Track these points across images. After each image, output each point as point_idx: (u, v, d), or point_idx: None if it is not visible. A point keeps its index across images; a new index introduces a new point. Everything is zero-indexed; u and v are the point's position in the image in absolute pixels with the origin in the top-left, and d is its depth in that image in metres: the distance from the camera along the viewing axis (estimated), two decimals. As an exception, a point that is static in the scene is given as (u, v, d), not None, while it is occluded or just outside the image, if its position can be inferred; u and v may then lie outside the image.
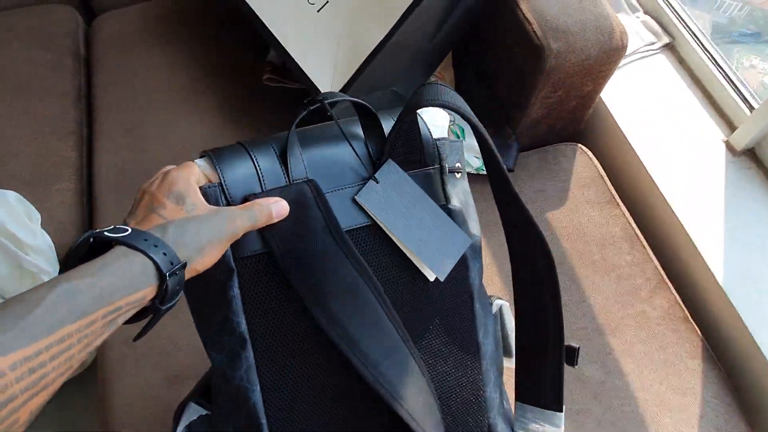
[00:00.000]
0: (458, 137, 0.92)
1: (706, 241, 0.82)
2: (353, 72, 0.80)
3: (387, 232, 0.45)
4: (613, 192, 0.90)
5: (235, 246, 0.41)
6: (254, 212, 0.39)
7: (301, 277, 0.41)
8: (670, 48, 1.03)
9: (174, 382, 0.73)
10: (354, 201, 0.45)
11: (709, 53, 0.97)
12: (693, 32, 0.99)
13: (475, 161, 0.89)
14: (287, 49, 0.83)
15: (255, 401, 0.42)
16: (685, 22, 1.01)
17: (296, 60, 0.83)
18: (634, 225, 0.86)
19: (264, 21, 0.85)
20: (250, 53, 1.02)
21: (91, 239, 0.34)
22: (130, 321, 0.33)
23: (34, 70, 1.00)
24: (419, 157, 0.48)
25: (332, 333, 0.40)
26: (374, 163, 0.47)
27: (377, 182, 0.46)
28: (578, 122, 0.95)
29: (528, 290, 0.51)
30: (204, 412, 0.47)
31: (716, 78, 0.95)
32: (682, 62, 1.01)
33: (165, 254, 0.33)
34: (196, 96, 0.98)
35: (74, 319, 0.28)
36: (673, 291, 0.81)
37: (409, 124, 0.47)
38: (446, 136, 0.51)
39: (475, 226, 0.51)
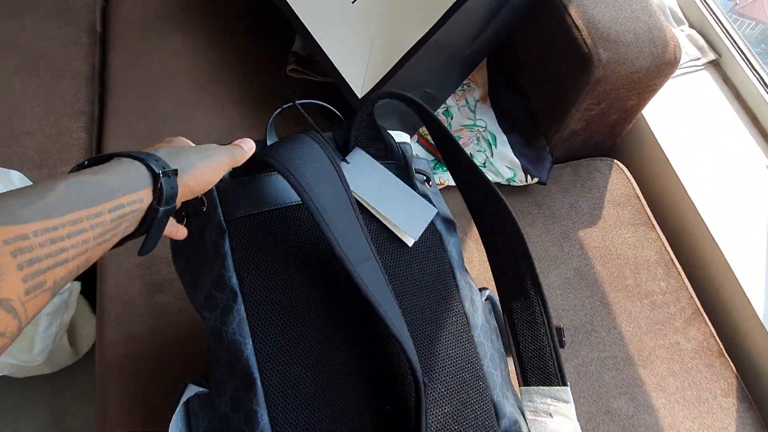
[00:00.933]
0: (490, 145, 0.87)
1: (746, 271, 0.77)
2: (388, 70, 0.75)
3: (363, 203, 0.50)
4: (649, 213, 0.85)
5: (226, 208, 0.47)
6: (231, 148, 0.44)
7: (306, 185, 0.44)
8: (715, 65, 0.98)
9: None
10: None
11: (757, 72, 0.92)
12: (740, 49, 0.95)
13: (506, 171, 0.85)
14: (318, 42, 0.78)
15: (248, 355, 0.43)
16: (732, 38, 0.96)
17: (327, 54, 0.78)
18: (669, 250, 0.82)
19: (294, 9, 0.80)
20: (273, 42, 0.97)
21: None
22: (133, 235, 0.36)
23: (50, 45, 0.95)
24: (385, 153, 0.55)
25: (326, 230, 0.42)
26: (343, 153, 0.53)
27: (348, 163, 0.52)
28: (616, 137, 0.91)
29: (506, 270, 0.54)
30: (201, 390, 0.47)
31: (762, 97, 0.90)
32: (726, 80, 0.96)
33: (157, 161, 0.36)
34: (215, 85, 0.93)
35: (83, 206, 0.30)
36: (709, 323, 0.77)
37: (370, 123, 0.54)
38: (408, 142, 0.58)
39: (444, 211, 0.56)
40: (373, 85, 0.75)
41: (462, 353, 0.49)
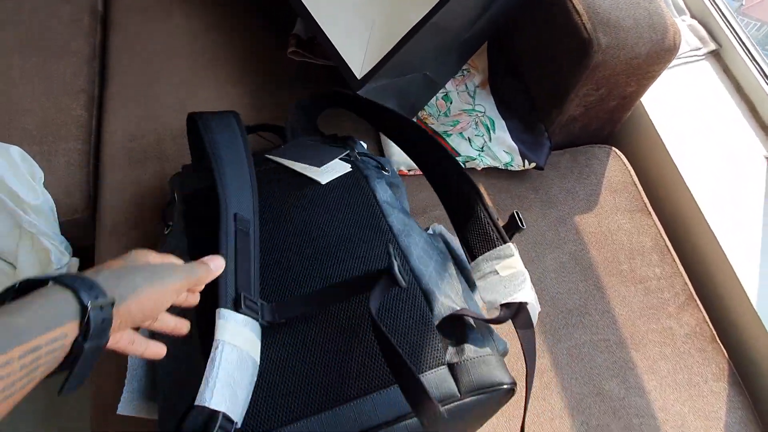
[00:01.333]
0: (488, 129, 0.87)
1: (741, 259, 0.78)
2: (387, 51, 0.75)
3: (282, 162, 0.64)
4: (646, 200, 0.85)
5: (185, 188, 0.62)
6: (194, 267, 0.42)
7: (218, 166, 0.57)
8: (716, 55, 0.98)
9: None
10: (265, 157, 0.65)
11: (757, 63, 0.92)
12: (742, 40, 0.95)
13: (504, 156, 0.85)
14: (318, 23, 0.78)
15: (182, 248, 0.56)
16: (734, 29, 0.96)
17: (327, 35, 0.78)
18: (665, 236, 0.82)
19: (295, -11, 0.80)
20: (274, 24, 0.97)
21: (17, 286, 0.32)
22: (61, 368, 0.32)
23: (51, 24, 0.95)
24: (323, 141, 0.70)
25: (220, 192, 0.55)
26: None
27: (281, 146, 0.68)
28: (614, 124, 0.91)
29: (441, 180, 0.64)
30: None
31: (762, 89, 0.90)
32: (726, 70, 0.97)
33: (91, 288, 0.32)
34: (215, 66, 0.93)
35: None
36: (702, 309, 0.77)
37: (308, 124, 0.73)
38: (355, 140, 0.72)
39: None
40: (372, 66, 0.75)
41: (384, 255, 0.55)
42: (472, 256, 0.59)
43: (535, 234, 0.81)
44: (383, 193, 0.62)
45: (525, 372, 0.51)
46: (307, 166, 0.64)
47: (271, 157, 0.65)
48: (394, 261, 0.50)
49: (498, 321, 0.52)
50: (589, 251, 0.80)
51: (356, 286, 0.52)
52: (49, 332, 0.29)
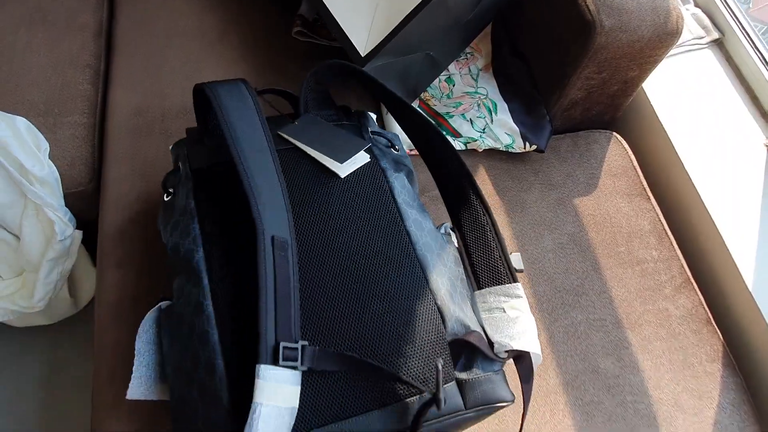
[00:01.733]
0: (490, 112, 0.88)
1: (738, 244, 0.78)
2: (390, 29, 0.76)
3: (300, 146, 0.62)
4: (645, 185, 0.86)
5: (192, 164, 0.61)
6: None
7: (234, 146, 0.55)
8: (718, 44, 0.98)
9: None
10: (279, 134, 0.63)
11: (759, 53, 0.93)
12: (745, 30, 0.95)
13: (505, 138, 0.86)
14: (323, 0, 0.79)
15: (198, 259, 0.55)
16: (737, 19, 0.96)
17: (332, 13, 0.79)
18: (663, 220, 0.83)
19: (302, -33, 0.80)
20: (280, 4, 0.97)
21: None
22: None
23: (57, -1, 0.96)
24: (338, 118, 0.68)
25: (245, 183, 0.53)
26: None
27: (295, 122, 0.65)
28: (616, 109, 0.91)
29: (451, 189, 0.64)
30: (167, 302, 0.58)
31: (764, 78, 0.91)
32: (729, 59, 0.97)
33: None
34: (221, 44, 0.94)
35: None
36: (698, 292, 0.78)
37: (321, 94, 0.69)
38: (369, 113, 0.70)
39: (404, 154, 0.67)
40: (375, 44, 0.76)
41: (405, 265, 0.56)
42: (478, 282, 0.61)
43: (535, 215, 0.82)
44: (401, 190, 0.61)
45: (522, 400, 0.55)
46: (328, 158, 0.61)
47: (286, 136, 0.63)
48: (441, 392, 0.50)
49: (503, 360, 0.55)
50: (588, 233, 0.81)
51: (403, 384, 0.51)
52: None
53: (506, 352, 0.55)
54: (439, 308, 0.55)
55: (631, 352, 0.72)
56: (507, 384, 0.55)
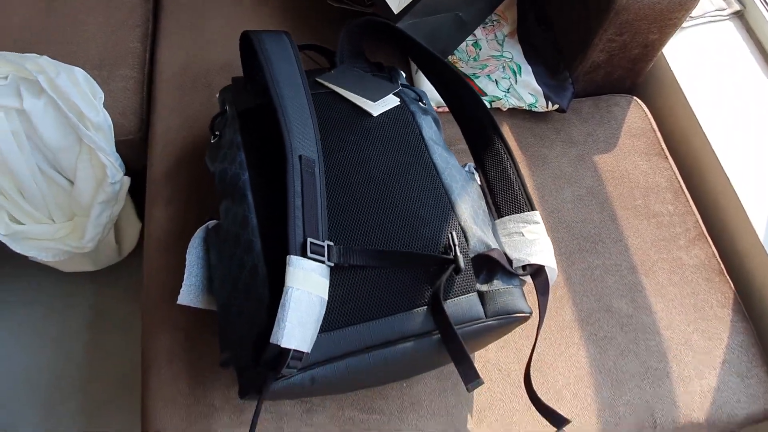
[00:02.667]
0: (515, 73, 0.92)
1: (753, 203, 0.82)
2: (422, -12, 0.80)
3: (335, 89, 0.68)
4: (663, 146, 0.90)
5: (238, 105, 0.68)
6: None
7: (271, 78, 0.61)
8: (740, 16, 1.01)
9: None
10: (316, 80, 0.70)
11: (780, 22, 0.95)
12: (766, 3, 0.98)
13: (528, 97, 0.90)
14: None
15: (243, 180, 0.61)
16: (758, -11, 0.99)
17: (367, -28, 0.84)
18: (680, 179, 0.86)
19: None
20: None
21: None
22: None
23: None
24: (371, 71, 0.74)
25: (281, 117, 0.59)
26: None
27: (331, 71, 0.72)
28: (637, 75, 0.95)
29: (476, 133, 0.70)
30: (214, 222, 0.64)
31: (783, 47, 0.93)
32: (750, 32, 1.00)
33: None
34: (261, 8, 1.00)
35: None
36: (712, 245, 0.81)
37: (355, 50, 0.76)
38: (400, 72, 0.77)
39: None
40: (408, 2, 0.81)
41: (429, 188, 0.61)
42: (499, 213, 0.66)
43: (555, 169, 0.86)
44: (428, 129, 0.67)
45: (538, 317, 0.59)
46: (362, 98, 0.67)
47: (323, 81, 0.70)
48: (459, 254, 0.57)
49: (522, 276, 0.60)
50: (606, 187, 0.85)
51: (421, 262, 0.57)
52: None
53: (524, 267, 0.60)
54: (462, 228, 0.60)
55: (644, 295, 0.76)
56: (525, 298, 0.59)
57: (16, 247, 0.93)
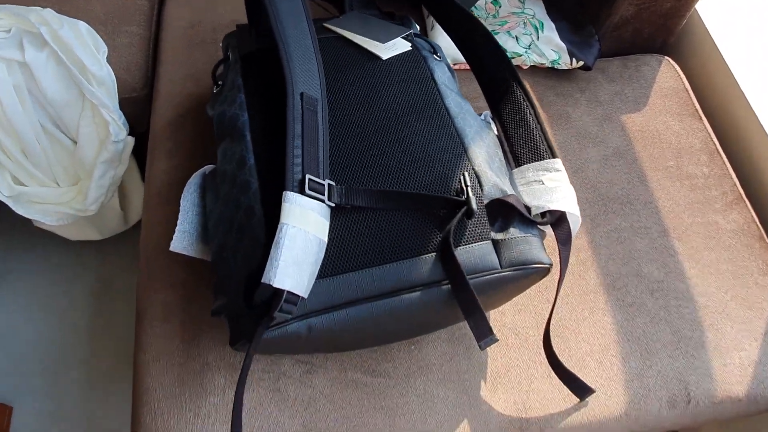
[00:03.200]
0: (536, 29, 0.87)
1: (796, 160, 0.75)
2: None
3: (343, 33, 0.65)
4: (697, 106, 0.83)
5: (242, 50, 0.65)
6: None
7: (274, 17, 0.57)
8: (781, -28, 0.94)
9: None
10: (323, 25, 0.66)
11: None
12: (811, -46, 0.91)
13: (551, 54, 0.84)
14: None
15: (242, 121, 0.58)
16: (803, -57, 0.92)
17: None
18: (715, 140, 0.80)
19: None
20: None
21: None
22: None
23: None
24: (382, 17, 0.69)
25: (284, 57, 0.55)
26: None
27: (339, 17, 0.68)
28: (668, 33, 0.89)
29: (493, 81, 0.64)
30: (211, 166, 0.61)
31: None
32: (792, -12, 0.93)
33: None
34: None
35: None
36: (751, 210, 0.75)
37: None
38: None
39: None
40: (424, -52, 0.76)
41: (442, 135, 0.57)
42: (517, 162, 0.60)
43: (579, 128, 0.80)
44: (441, 74, 0.63)
45: (559, 274, 0.54)
46: (370, 40, 0.64)
47: (329, 26, 0.66)
48: (472, 196, 0.52)
49: (541, 224, 0.54)
50: (634, 147, 0.79)
51: (431, 204, 0.52)
52: None
53: (543, 214, 0.54)
54: (476, 173, 0.55)
55: (677, 260, 0.70)
56: (544, 249, 0.54)
57: (20, 210, 0.91)
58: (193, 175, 0.60)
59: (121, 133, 0.87)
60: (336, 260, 0.51)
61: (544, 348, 0.59)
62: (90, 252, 1.09)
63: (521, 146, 0.60)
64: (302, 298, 0.48)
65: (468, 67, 0.85)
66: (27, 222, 1.03)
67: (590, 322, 0.66)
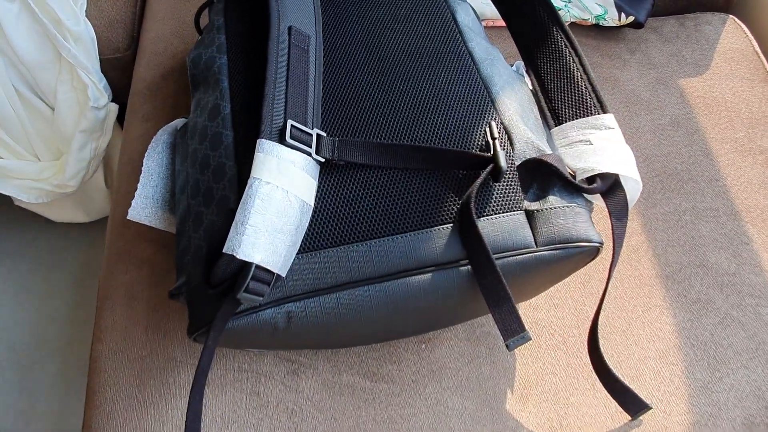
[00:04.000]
0: (578, -18, 0.75)
1: None
2: None
3: None
4: (770, 70, 0.70)
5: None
6: None
7: None
8: None
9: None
10: None
11: None
12: None
13: (595, 8, 0.72)
14: None
15: (219, 64, 0.48)
16: None
17: None
18: (794, 109, 0.67)
19: None
20: None
21: None
22: None
23: None
24: None
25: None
26: None
27: None
28: (734, -14, 0.76)
29: (527, 25, 0.51)
30: (183, 119, 0.52)
31: None
32: None
33: None
34: None
35: None
36: (842, 191, 0.61)
37: None
38: None
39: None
40: None
41: (462, 80, 0.46)
42: (557, 118, 0.48)
43: (629, 93, 0.68)
44: (464, 15, 0.52)
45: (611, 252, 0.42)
46: None
47: None
48: (500, 150, 0.40)
49: (588, 191, 0.42)
50: (696, 116, 0.66)
51: (447, 161, 0.41)
52: None
53: (592, 179, 0.42)
54: (505, 128, 0.44)
55: (751, 249, 0.57)
56: (593, 223, 0.42)
57: (-6, 184, 0.82)
58: (161, 129, 0.50)
59: (101, 99, 0.78)
60: (325, 230, 0.40)
61: (589, 351, 0.47)
62: (76, 235, 1.01)
63: (562, 100, 0.48)
64: (278, 276, 0.37)
65: (495, 24, 0.74)
66: (8, 200, 0.95)
67: (645, 321, 0.53)
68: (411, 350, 0.51)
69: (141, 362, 0.51)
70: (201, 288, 0.39)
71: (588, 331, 0.48)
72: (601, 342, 0.52)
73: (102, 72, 0.77)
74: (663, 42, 0.73)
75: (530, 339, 0.39)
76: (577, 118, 0.46)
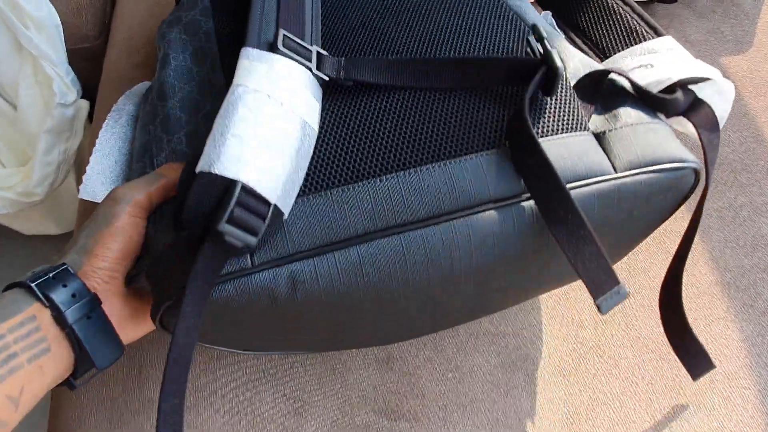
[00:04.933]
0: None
1: None
2: None
3: None
4: (820, 47, 0.63)
5: None
6: (152, 175, 0.33)
7: None
8: None
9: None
10: None
11: None
12: None
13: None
14: None
15: (208, 28, 0.39)
16: None
17: None
18: None
19: None
20: None
21: None
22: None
23: None
24: None
25: None
26: None
27: None
28: (773, -44, 0.68)
29: None
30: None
31: None
32: None
33: (36, 271, 0.31)
34: None
35: None
36: None
37: None
38: None
39: None
40: None
41: (494, 12, 0.38)
42: (603, 52, 0.41)
43: (666, 75, 0.60)
44: None
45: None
46: None
47: None
48: (552, 49, 0.32)
49: (670, 103, 0.33)
50: (743, 97, 0.59)
51: (485, 74, 0.33)
52: (11, 319, 0.28)
53: (667, 90, 0.34)
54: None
55: (822, 249, 0.49)
56: (679, 141, 0.34)
57: (-49, 194, 0.73)
58: (123, 96, 0.42)
59: (69, 95, 0.69)
60: (336, 162, 0.31)
61: (661, 304, 0.40)
62: (48, 250, 0.92)
63: (606, 32, 0.41)
64: (276, 212, 0.28)
65: None
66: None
67: (708, 337, 0.45)
68: (436, 380, 0.43)
69: (111, 404, 0.42)
70: (164, 240, 0.31)
71: (664, 278, 0.39)
72: (654, 360, 0.44)
73: (70, 64, 0.69)
74: (698, 18, 0.65)
75: (627, 295, 0.29)
76: (629, 47, 0.39)
